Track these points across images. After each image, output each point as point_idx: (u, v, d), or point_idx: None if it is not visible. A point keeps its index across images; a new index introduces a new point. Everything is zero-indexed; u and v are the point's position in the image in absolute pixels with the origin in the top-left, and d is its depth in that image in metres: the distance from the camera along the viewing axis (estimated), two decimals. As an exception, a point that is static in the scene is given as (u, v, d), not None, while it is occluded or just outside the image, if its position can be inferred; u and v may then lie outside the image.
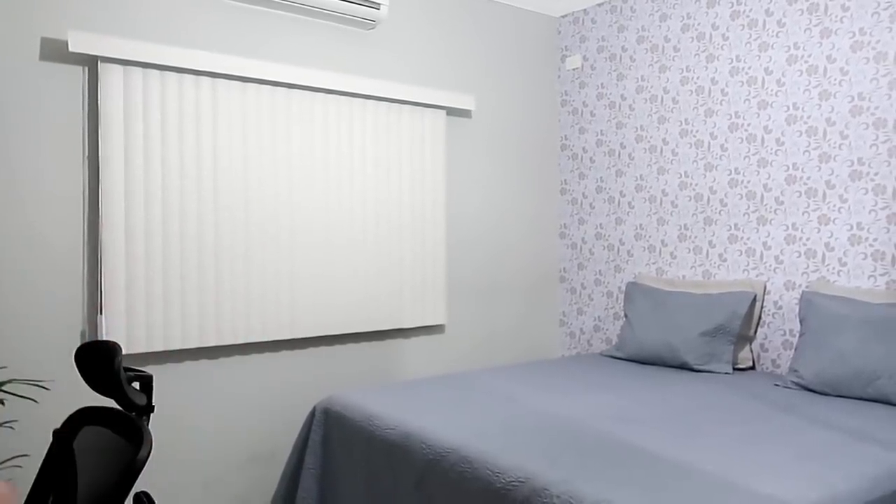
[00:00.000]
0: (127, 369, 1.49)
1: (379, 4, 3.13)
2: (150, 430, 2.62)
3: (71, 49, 2.45)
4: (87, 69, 2.59)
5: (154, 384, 2.74)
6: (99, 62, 2.56)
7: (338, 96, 3.16)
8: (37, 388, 2.42)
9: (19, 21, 2.46)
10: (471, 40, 3.72)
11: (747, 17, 3.18)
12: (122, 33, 2.66)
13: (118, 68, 2.59)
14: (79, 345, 2.60)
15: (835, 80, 2.88)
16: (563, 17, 4.08)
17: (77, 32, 2.47)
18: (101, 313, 2.56)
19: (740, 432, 2.10)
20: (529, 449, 1.95)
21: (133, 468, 1.23)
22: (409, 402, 2.49)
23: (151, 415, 2.17)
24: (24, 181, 2.48)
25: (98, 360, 1.39)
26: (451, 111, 3.64)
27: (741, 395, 2.57)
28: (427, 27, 3.54)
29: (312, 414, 2.65)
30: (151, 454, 2.74)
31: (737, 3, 3.22)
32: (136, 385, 1.70)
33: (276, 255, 2.98)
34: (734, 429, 2.14)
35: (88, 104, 2.60)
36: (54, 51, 2.53)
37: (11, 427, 2.24)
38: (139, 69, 2.64)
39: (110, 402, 2.52)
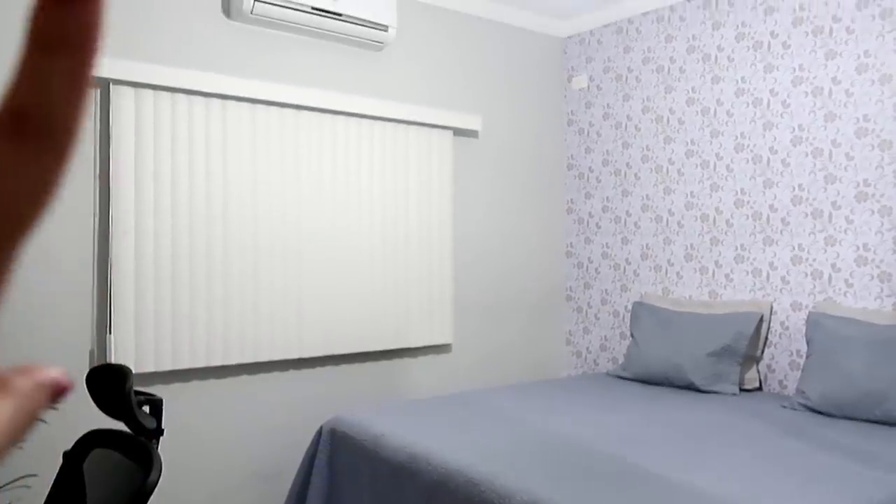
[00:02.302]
0: (137, 393, 1.50)
1: (387, 27, 3.17)
2: (160, 453, 2.64)
3: (84, 72, 2.48)
4: (98, 91, 2.64)
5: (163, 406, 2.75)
6: (111, 85, 2.60)
7: (346, 117, 3.19)
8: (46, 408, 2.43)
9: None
10: (477, 61, 3.75)
11: (752, 38, 3.21)
12: (133, 56, 2.70)
13: (129, 91, 2.63)
14: (88, 363, 2.62)
15: (840, 101, 2.90)
16: (568, 38, 4.12)
17: (90, 56, 2.51)
18: (110, 333, 2.59)
19: (747, 455, 2.09)
20: (536, 471, 1.95)
21: (143, 493, 1.24)
22: (416, 423, 2.49)
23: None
24: (37, 202, 2.51)
25: (109, 384, 1.40)
26: (458, 131, 3.66)
27: (748, 417, 2.56)
28: (434, 48, 3.58)
29: (319, 434, 2.66)
30: (158, 473, 2.75)
31: (741, 26, 3.25)
32: (146, 409, 1.71)
33: (283, 274, 3.00)
34: (741, 451, 2.13)
35: (100, 126, 2.64)
36: (68, 74, 2.57)
37: (20, 447, 2.26)
38: (150, 91, 2.68)
39: (121, 425, 2.53)
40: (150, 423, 1.43)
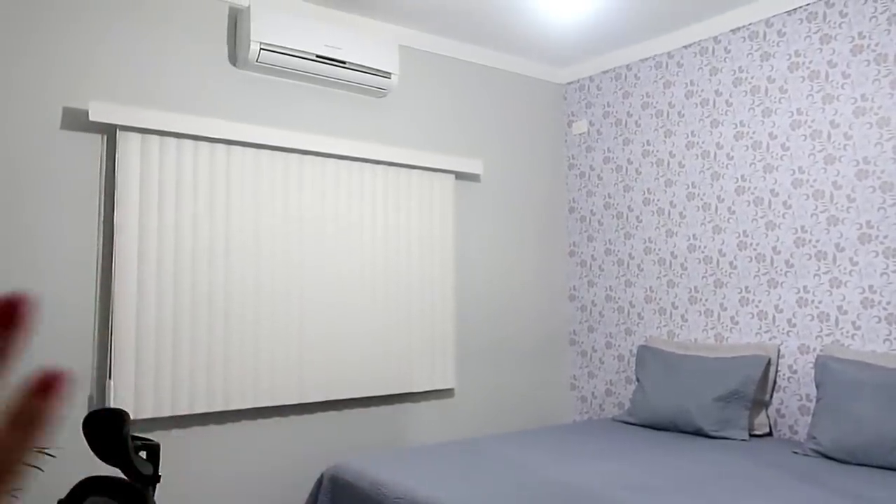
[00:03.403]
0: (134, 438, 1.47)
1: (390, 74, 3.22)
2: (156, 500, 2.57)
3: (91, 118, 2.52)
4: (105, 137, 2.67)
5: (161, 451, 2.70)
6: (118, 130, 2.63)
7: (349, 162, 3.22)
8: (42, 455, 2.39)
9: (43, 91, 2.55)
10: (479, 106, 3.81)
11: (749, 83, 3.25)
12: (140, 103, 2.74)
13: (136, 136, 2.66)
14: (87, 409, 2.58)
15: (839, 144, 2.92)
16: (568, 83, 4.18)
17: (97, 102, 2.55)
18: (109, 378, 2.55)
19: None
20: (542, 520, 1.89)
21: (137, 542, 1.21)
22: (418, 470, 2.43)
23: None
24: (42, 246, 2.52)
25: (106, 429, 1.37)
26: (460, 175, 3.69)
27: (759, 464, 2.50)
28: (436, 94, 3.63)
29: (320, 481, 2.60)
30: (155, 524, 2.67)
31: (739, 71, 3.30)
32: (143, 454, 1.68)
33: (285, 318, 2.98)
34: (755, 500, 2.07)
35: (106, 171, 2.66)
36: (75, 120, 2.61)
37: (15, 496, 2.21)
38: (156, 137, 2.71)
39: (117, 471, 2.48)
40: (147, 469, 1.39)
